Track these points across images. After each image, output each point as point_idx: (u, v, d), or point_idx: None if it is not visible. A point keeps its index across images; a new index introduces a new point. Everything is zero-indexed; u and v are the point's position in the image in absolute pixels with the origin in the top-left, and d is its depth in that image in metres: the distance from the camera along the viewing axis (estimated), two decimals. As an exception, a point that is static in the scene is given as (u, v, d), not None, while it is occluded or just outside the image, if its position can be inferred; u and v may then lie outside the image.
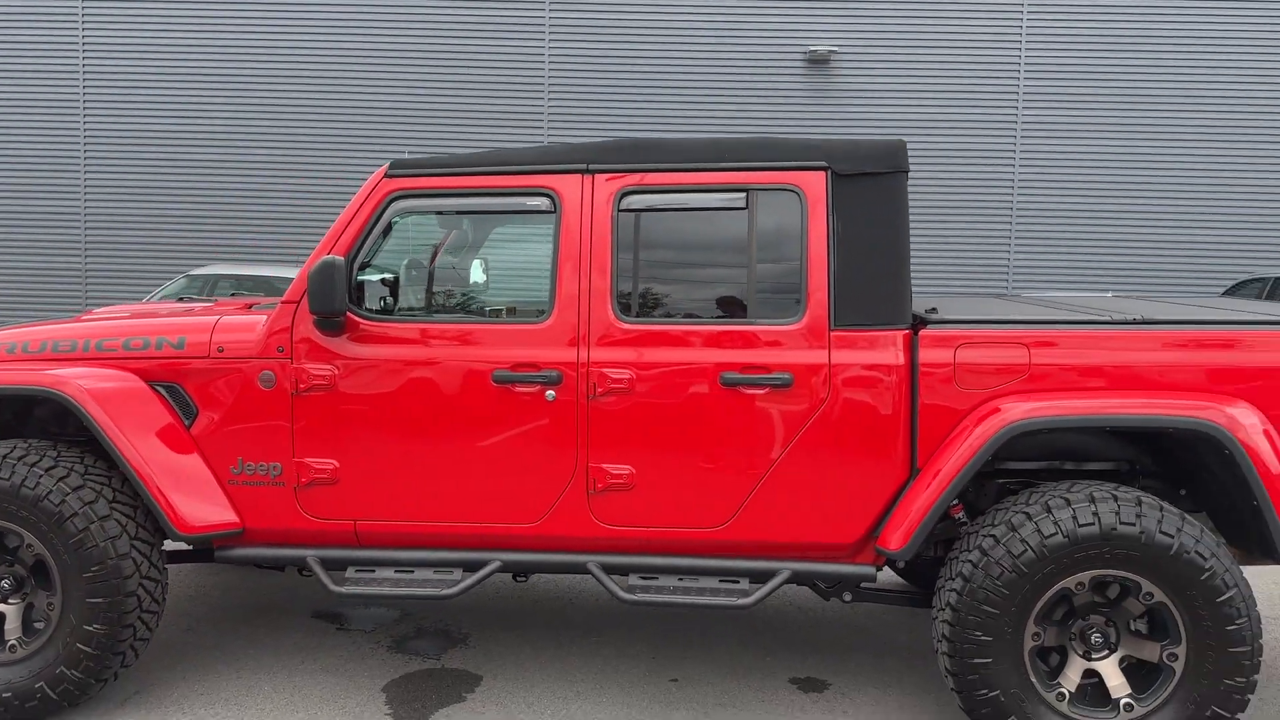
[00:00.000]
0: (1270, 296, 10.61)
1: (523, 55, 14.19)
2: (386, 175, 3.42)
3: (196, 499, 3.41)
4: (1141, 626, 3.14)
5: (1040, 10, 14.17)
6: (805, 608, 4.65)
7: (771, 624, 4.45)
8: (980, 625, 3.04)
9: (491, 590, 4.78)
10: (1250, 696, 3.01)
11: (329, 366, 3.38)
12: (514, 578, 3.64)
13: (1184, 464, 3.37)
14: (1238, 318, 3.31)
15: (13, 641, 3.41)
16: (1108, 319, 3.25)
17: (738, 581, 3.32)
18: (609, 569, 3.35)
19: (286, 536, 3.49)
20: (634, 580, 3.35)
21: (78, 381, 3.37)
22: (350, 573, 3.44)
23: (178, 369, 3.48)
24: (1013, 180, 14.17)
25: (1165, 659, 3.06)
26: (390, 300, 3.48)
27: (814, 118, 14.24)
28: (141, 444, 3.36)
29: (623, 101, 14.20)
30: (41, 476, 3.29)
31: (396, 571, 3.44)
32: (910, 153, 3.34)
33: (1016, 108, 14.15)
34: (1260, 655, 3.00)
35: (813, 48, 14.12)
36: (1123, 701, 3.08)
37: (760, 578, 3.31)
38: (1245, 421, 3.03)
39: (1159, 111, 14.08)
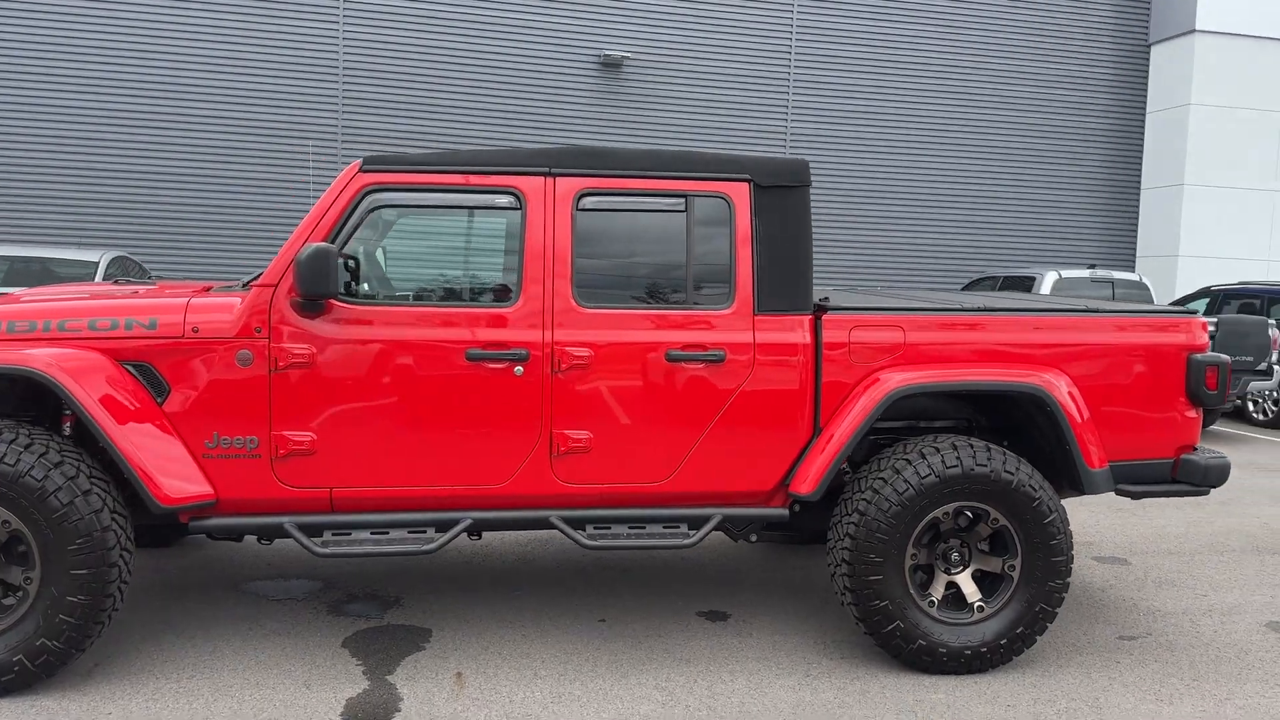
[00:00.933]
0: (1001, 290, 12.47)
1: (318, 47, 14.00)
2: (361, 170, 3.74)
3: (173, 473, 3.58)
4: (986, 546, 4.04)
5: (808, 28, 15.66)
6: (697, 555, 5.32)
7: (674, 569, 5.09)
8: (873, 549, 3.82)
9: (406, 559, 5.11)
10: (1065, 595, 3.98)
11: (307, 346, 3.65)
12: (470, 535, 4.04)
13: (1010, 420, 4.32)
14: (1050, 307, 4.29)
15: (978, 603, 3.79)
16: (960, 307, 4.13)
17: (679, 526, 3.93)
18: (570, 521, 3.86)
19: (260, 506, 3.72)
20: (591, 530, 3.87)
21: (55, 360, 3.45)
22: (327, 536, 3.74)
23: (150, 349, 3.62)
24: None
25: (1006, 570, 3.97)
26: (366, 285, 3.78)
27: (607, 121, 15.00)
28: (119, 421, 3.50)
29: (416, 99, 14.32)
30: (21, 453, 3.36)
31: (372, 533, 3.76)
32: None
33: (786, 118, 15.58)
34: (1072, 563, 3.97)
35: (607, 52, 14.83)
36: (976, 605, 3.97)
37: (696, 523, 3.93)
38: (1059, 385, 3.99)
39: (909, 129, 15.99)
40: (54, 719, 3.31)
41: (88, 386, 3.47)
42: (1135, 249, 17.19)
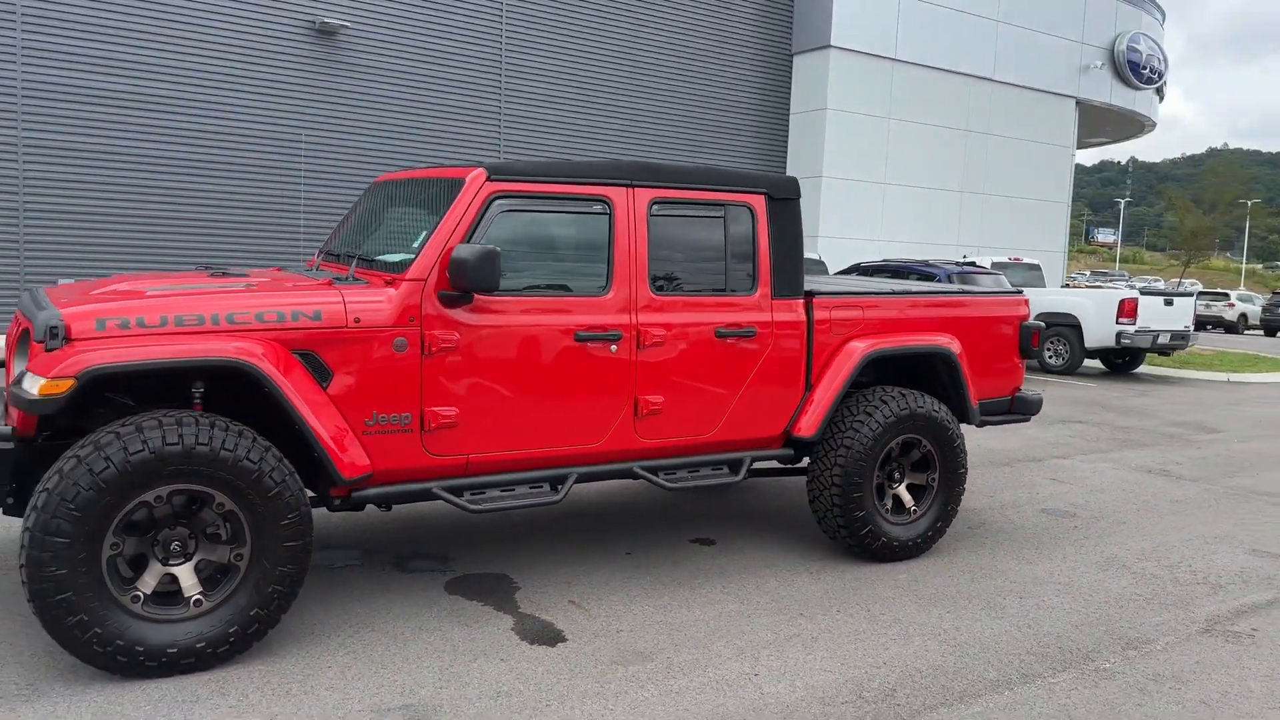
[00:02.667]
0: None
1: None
2: (488, 179, 4.29)
3: (347, 449, 3.96)
4: (911, 467, 5.51)
5: (517, 12, 16.54)
6: (678, 498, 6.29)
7: (666, 508, 6.04)
8: (857, 473, 5.12)
9: (438, 519, 5.57)
10: (961, 498, 5.57)
11: (454, 332, 4.18)
12: (552, 487, 4.71)
13: (923, 374, 5.78)
14: (945, 289, 5.85)
15: (196, 596, 3.63)
16: (893, 291, 5.55)
17: (722, 469, 4.96)
18: (648, 470, 4.73)
19: (410, 475, 4.19)
20: (663, 476, 4.77)
21: (258, 352, 3.69)
22: (467, 496, 4.29)
23: (316, 338, 3.93)
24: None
25: (930, 481, 5.48)
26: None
27: (321, 90, 14.80)
28: (309, 405, 3.83)
29: (101, 57, 13.16)
30: (238, 440, 3.60)
31: (501, 491, 4.38)
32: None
33: (499, 96, 16.36)
34: (966, 475, 5.58)
35: (324, 19, 14.61)
36: (911, 509, 5.44)
37: (733, 465, 4.99)
38: (955, 348, 5.56)
39: (594, 119, 17.44)
40: (268, 681, 3.63)
41: (284, 374, 3.76)
42: (782, 228, 20.17)
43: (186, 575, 3.66)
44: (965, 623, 4.52)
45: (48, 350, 3.52)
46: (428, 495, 4.24)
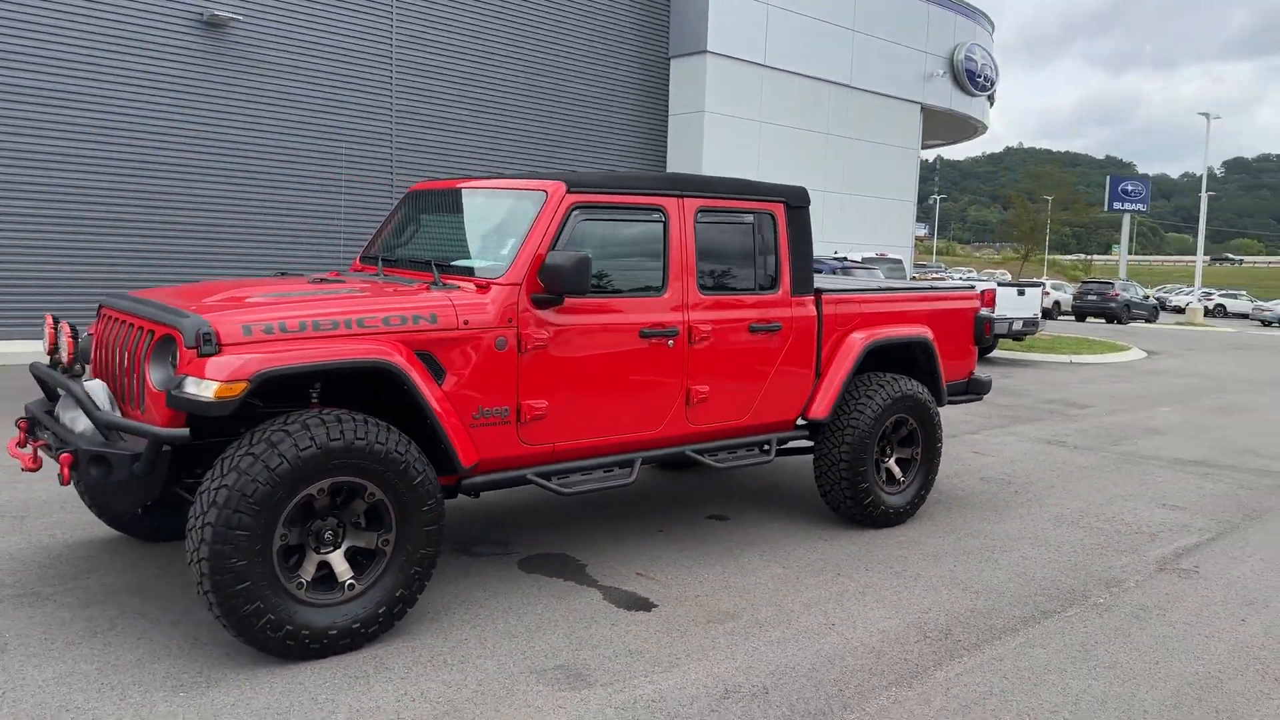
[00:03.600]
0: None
1: None
2: (568, 191, 4.68)
3: (464, 441, 4.30)
4: (904, 440, 6.24)
5: (407, 9, 16.55)
6: (689, 479, 6.76)
7: (676, 492, 6.52)
8: (863, 449, 5.79)
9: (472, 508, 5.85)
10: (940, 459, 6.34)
11: (546, 330, 4.56)
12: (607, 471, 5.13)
13: (904, 361, 6.50)
14: (920, 286, 6.60)
15: (349, 580, 3.89)
16: (880, 288, 6.24)
17: (752, 450, 5.52)
18: (698, 452, 5.24)
19: (506, 463, 4.54)
20: (706, 458, 5.29)
21: (393, 353, 3.98)
22: (555, 481, 4.68)
23: (432, 340, 4.24)
24: (390, 161, 16.38)
25: (913, 456, 6.22)
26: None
27: (209, 84, 14.43)
28: (437, 402, 4.14)
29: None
30: (387, 434, 3.89)
31: (582, 475, 4.78)
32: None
33: (390, 91, 16.33)
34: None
35: (213, 11, 14.25)
36: (898, 478, 6.16)
37: (762, 447, 5.55)
38: (929, 335, 6.32)
39: (486, 116, 17.65)
40: (419, 656, 3.94)
41: (419, 374, 4.06)
42: (663, 225, 20.89)
43: (339, 561, 3.92)
44: (973, 573, 5.26)
45: (200, 355, 3.71)
46: (523, 481, 4.60)
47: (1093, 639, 4.41)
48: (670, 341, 5.03)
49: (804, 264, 5.71)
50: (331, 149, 15.66)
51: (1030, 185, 55.50)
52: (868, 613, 4.61)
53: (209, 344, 3.72)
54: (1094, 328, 31.28)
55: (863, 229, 23.63)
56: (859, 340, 5.91)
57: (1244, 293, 56.94)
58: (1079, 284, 41.90)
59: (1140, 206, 59.34)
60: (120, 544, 5.13)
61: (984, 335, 6.83)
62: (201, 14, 14.29)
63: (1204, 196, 48.84)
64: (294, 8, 15.15)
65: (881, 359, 6.47)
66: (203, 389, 3.63)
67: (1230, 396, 13.63)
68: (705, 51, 19.73)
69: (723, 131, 20.23)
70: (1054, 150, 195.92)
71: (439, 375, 4.28)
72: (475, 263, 4.75)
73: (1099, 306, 36.32)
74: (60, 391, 4.37)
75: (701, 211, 5.24)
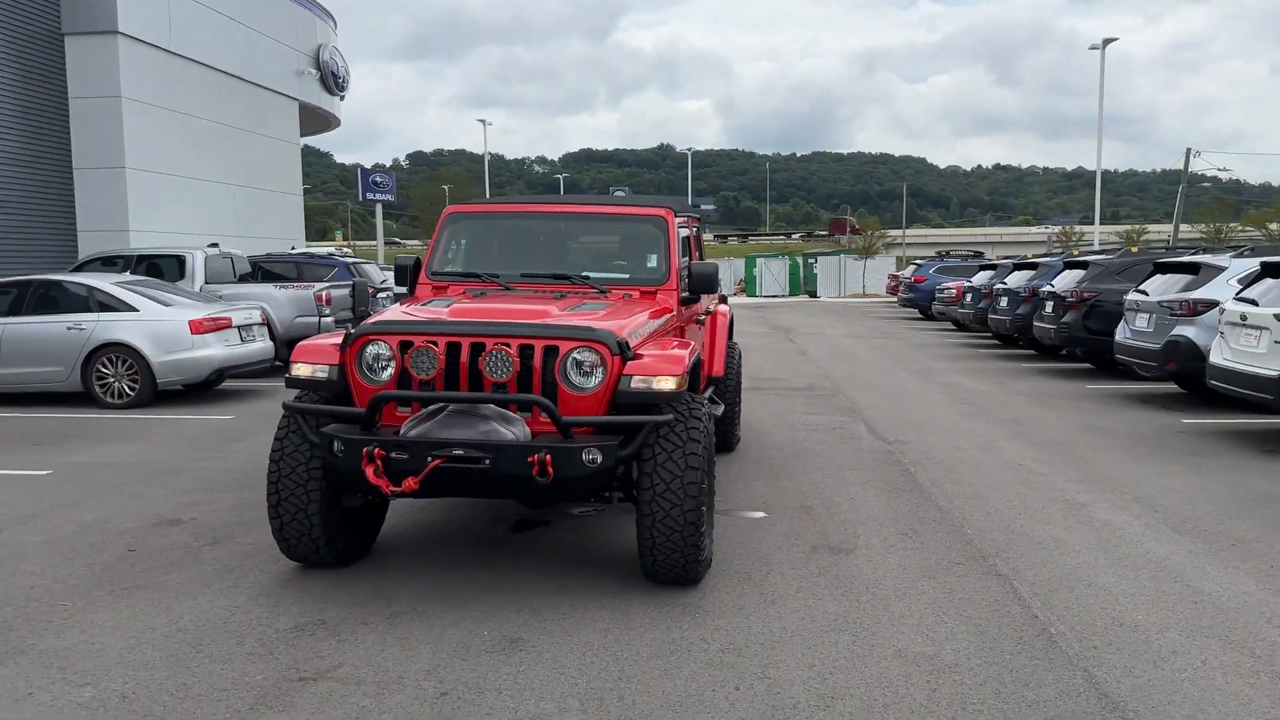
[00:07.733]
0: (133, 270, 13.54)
1: None
2: (675, 215, 6.03)
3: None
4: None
5: None
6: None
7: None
8: (729, 395, 7.98)
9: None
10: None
11: (684, 317, 5.95)
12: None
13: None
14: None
15: None
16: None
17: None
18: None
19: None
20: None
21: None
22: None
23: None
24: None
25: (730, 396, 8.58)
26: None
27: None
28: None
29: None
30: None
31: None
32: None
33: None
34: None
35: None
36: (728, 414, 8.49)
37: (703, 397, 7.40)
38: (721, 310, 8.70)
39: None
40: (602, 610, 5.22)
41: (694, 358, 5.29)
42: (75, 224, 18.57)
43: None
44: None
45: (625, 360, 4.52)
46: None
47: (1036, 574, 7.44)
48: (701, 318, 6.69)
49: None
50: None
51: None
52: (909, 617, 6.92)
53: (627, 350, 4.57)
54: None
55: (270, 223, 23.66)
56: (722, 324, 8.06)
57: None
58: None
59: (389, 196, 65.50)
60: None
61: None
62: None
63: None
64: None
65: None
66: (653, 384, 4.51)
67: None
68: (116, 32, 18.03)
69: (148, 121, 18.75)
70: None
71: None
72: (613, 275, 5.88)
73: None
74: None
75: (680, 227, 6.90)
